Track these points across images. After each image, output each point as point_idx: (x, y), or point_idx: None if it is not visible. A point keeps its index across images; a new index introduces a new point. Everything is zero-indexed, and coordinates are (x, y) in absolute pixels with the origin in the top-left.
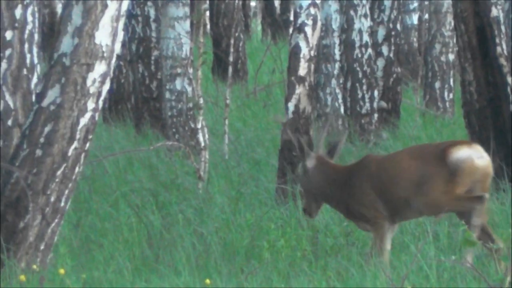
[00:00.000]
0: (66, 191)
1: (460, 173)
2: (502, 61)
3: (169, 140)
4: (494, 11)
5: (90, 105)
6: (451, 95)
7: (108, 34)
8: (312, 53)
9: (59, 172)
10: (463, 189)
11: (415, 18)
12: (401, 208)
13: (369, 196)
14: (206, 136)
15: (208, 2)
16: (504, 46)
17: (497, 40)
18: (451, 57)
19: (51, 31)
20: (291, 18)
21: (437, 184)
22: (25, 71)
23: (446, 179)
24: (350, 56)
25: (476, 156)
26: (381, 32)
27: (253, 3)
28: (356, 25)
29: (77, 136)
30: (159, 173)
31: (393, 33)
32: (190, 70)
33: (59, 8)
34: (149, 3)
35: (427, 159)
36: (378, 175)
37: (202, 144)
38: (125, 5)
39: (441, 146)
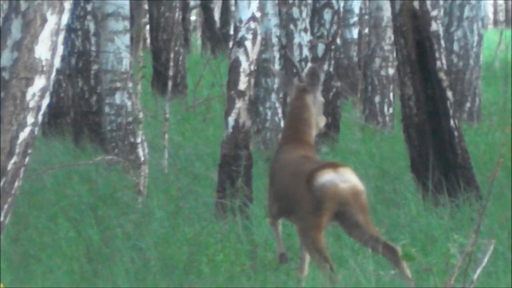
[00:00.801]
0: (5, 206)
1: (323, 199)
2: (442, 75)
3: (108, 155)
4: (434, 26)
5: (30, 119)
6: (390, 109)
7: (47, 48)
8: (252, 67)
9: None
10: (329, 213)
11: (354, 32)
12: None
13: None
14: (146, 150)
15: (147, 16)
16: (444, 61)
17: (437, 55)
18: (391, 71)
19: None
20: (231, 32)
21: (305, 207)
22: None
23: (312, 203)
24: (289, 71)
25: (340, 180)
26: (321, 47)
27: (193, 17)
28: (296, 40)
29: (16, 151)
30: (98, 187)
31: (333, 47)
32: (130, 84)
33: None
34: (89, 17)
35: (300, 179)
36: (271, 168)
37: (142, 159)
38: (64, 19)
39: (312, 168)
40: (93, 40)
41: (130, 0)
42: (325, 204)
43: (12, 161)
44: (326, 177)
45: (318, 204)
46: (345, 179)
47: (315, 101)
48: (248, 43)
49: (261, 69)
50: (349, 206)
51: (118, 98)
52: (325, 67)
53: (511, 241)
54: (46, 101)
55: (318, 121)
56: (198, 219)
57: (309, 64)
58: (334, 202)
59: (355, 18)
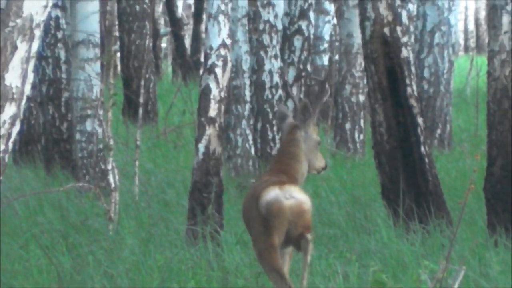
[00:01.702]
0: None
1: (269, 216)
2: (412, 102)
3: (79, 182)
4: (404, 52)
5: (0, 147)
6: (361, 136)
7: (18, 75)
8: (223, 94)
9: None
10: (279, 231)
11: (325, 59)
12: None
13: None
14: (117, 177)
15: (118, 43)
16: (414, 87)
17: (407, 81)
18: (362, 98)
19: None
20: (202, 59)
21: (257, 227)
22: None
23: (261, 223)
24: (260, 97)
25: (284, 197)
26: (292, 73)
27: (163, 44)
28: (267, 66)
29: None
30: (70, 214)
31: (303, 74)
32: (101, 112)
33: None
34: (59, 45)
35: (252, 199)
36: None
37: (113, 186)
38: (35, 47)
39: (261, 187)
40: (63, 67)
41: (100, 28)
42: (271, 221)
43: None
44: (271, 194)
45: (265, 222)
46: (289, 195)
47: (307, 138)
48: (218, 70)
49: (232, 96)
50: (295, 223)
51: (89, 125)
52: (295, 93)
53: (482, 268)
54: (16, 129)
55: (311, 159)
56: (169, 246)
57: (280, 91)
58: (280, 219)
59: (326, 45)
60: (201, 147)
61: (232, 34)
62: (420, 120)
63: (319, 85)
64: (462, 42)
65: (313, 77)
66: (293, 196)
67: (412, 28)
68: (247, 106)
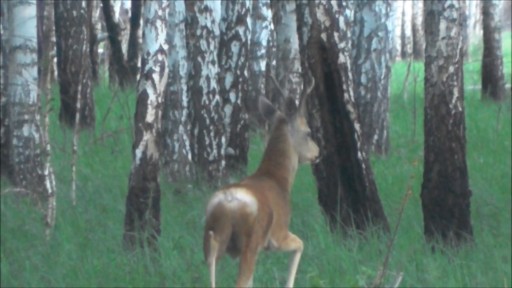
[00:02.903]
0: None
1: (209, 218)
2: (350, 107)
3: (16, 187)
4: (342, 58)
5: None
6: None
7: None
8: (160, 99)
9: None
10: (221, 234)
11: (262, 65)
12: None
13: None
14: (53, 182)
15: (55, 48)
16: (351, 93)
17: (344, 87)
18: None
19: None
20: (139, 64)
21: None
22: None
23: (208, 225)
24: (197, 103)
25: (226, 200)
26: (229, 79)
27: (100, 50)
28: (204, 72)
29: None
30: (7, 219)
31: (240, 79)
32: (38, 117)
33: None
34: None
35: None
36: None
37: (50, 191)
38: None
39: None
40: (0, 72)
41: (38, 33)
42: (212, 223)
43: None
44: (215, 197)
45: (207, 224)
46: (232, 197)
47: (294, 131)
48: (155, 76)
49: (169, 102)
50: (237, 227)
51: (26, 130)
52: (233, 99)
53: (419, 274)
54: None
55: (301, 151)
56: (106, 251)
57: (217, 97)
58: (221, 221)
59: (263, 51)
60: (138, 152)
61: (169, 40)
62: (357, 126)
63: (303, 77)
64: (399, 47)
65: (295, 71)
66: (236, 198)
67: (349, 34)
68: (184, 112)
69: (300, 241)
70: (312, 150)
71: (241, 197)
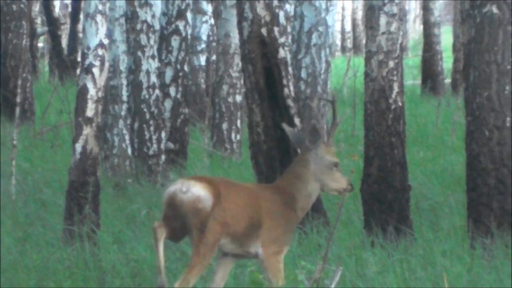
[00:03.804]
0: None
1: (164, 204)
2: (290, 102)
3: None
4: (282, 53)
5: None
6: (238, 136)
7: None
8: (100, 94)
9: None
10: (174, 222)
11: (202, 59)
12: None
13: None
14: None
15: None
16: (291, 88)
17: (285, 82)
18: (239, 98)
19: None
20: (79, 59)
21: None
22: None
23: (163, 211)
24: (137, 97)
25: (180, 190)
26: (169, 73)
27: (40, 44)
28: (144, 66)
29: None
30: None
31: (180, 74)
32: None
33: None
34: None
35: None
36: None
37: None
38: None
39: None
40: None
41: None
42: (165, 209)
43: None
44: (173, 184)
45: (162, 209)
46: (187, 190)
47: (317, 159)
48: (95, 70)
49: (109, 96)
50: (188, 219)
51: None
52: (173, 94)
53: (359, 268)
54: None
55: (323, 179)
56: (46, 245)
57: (157, 91)
58: (172, 210)
59: (203, 45)
60: (78, 146)
61: (109, 34)
62: (297, 120)
63: (332, 106)
64: (339, 42)
65: (322, 98)
66: (190, 191)
67: (289, 29)
68: (124, 106)
69: (282, 278)
70: (338, 181)
71: (195, 191)
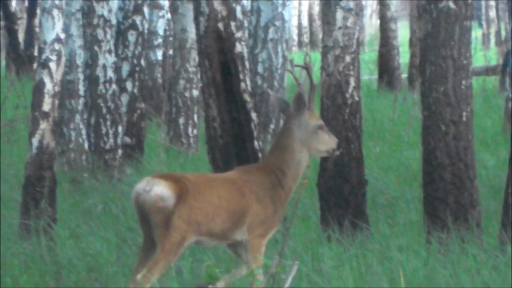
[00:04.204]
0: None
1: (133, 206)
2: (246, 97)
3: None
4: (238, 47)
5: None
6: (195, 131)
7: None
8: (56, 88)
9: None
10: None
11: (159, 54)
12: None
13: None
14: None
15: None
16: (248, 82)
17: (241, 76)
18: (195, 93)
19: None
20: (36, 53)
21: None
22: None
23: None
24: (94, 92)
25: (143, 189)
26: (126, 68)
27: None
28: (101, 61)
29: None
30: None
31: (137, 69)
32: None
33: None
34: None
35: None
36: None
37: None
38: None
39: None
40: None
41: None
42: (134, 207)
43: None
44: (139, 183)
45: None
46: (150, 188)
47: (301, 126)
48: (52, 65)
49: (66, 91)
50: (152, 218)
51: None
52: (130, 88)
53: (315, 263)
54: None
55: (310, 144)
56: (2, 240)
57: (113, 86)
58: (137, 209)
59: (160, 40)
60: (35, 141)
61: (66, 29)
62: (253, 115)
63: (307, 72)
64: (296, 37)
65: (296, 65)
66: (153, 190)
67: (246, 23)
68: (81, 101)
69: (260, 262)
70: (326, 143)
71: (157, 190)
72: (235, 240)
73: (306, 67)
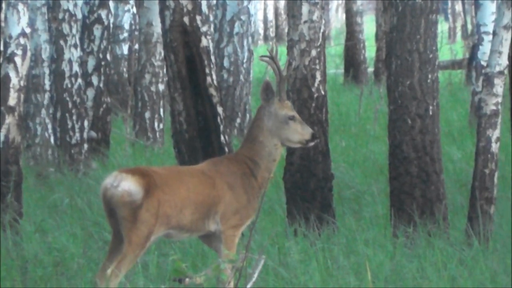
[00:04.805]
0: None
1: (102, 201)
2: (212, 91)
3: None
4: (204, 41)
5: None
6: (161, 125)
7: None
8: (22, 83)
9: None
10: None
11: (125, 48)
12: None
13: None
14: None
15: None
16: (214, 76)
17: (207, 70)
18: (161, 87)
19: None
20: (1, 48)
21: None
22: None
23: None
24: (60, 86)
25: (110, 184)
26: (91, 62)
27: None
28: (66, 55)
29: None
30: None
31: (103, 63)
32: None
33: None
34: None
35: None
36: None
37: None
38: None
39: None
40: None
41: None
42: (103, 206)
43: None
44: (107, 178)
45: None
46: (118, 183)
47: (271, 116)
48: (18, 59)
49: (31, 85)
50: (119, 212)
51: None
52: (95, 83)
53: (282, 257)
54: None
55: (281, 134)
56: None
57: (79, 80)
58: (104, 203)
59: (125, 34)
60: (1, 136)
61: (31, 23)
62: (219, 109)
63: (274, 61)
64: (261, 31)
65: (263, 55)
66: (120, 185)
67: (212, 17)
68: (47, 95)
69: (234, 252)
70: (299, 133)
71: (125, 185)
72: (209, 232)
73: (271, 57)
